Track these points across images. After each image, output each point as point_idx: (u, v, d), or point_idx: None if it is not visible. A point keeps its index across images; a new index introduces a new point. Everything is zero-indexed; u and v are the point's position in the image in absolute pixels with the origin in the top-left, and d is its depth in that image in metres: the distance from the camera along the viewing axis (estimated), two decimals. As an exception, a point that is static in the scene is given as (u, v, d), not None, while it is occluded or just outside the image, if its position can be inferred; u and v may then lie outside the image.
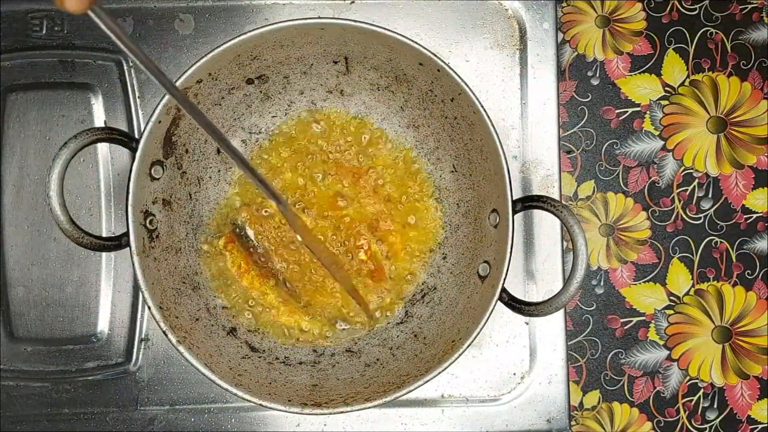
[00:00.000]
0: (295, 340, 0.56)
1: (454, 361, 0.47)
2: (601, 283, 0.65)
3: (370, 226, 0.56)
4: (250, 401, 0.47)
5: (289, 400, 0.48)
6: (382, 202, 0.57)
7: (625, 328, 0.65)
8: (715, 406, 0.65)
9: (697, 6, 0.66)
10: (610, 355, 0.65)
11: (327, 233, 0.56)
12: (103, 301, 0.58)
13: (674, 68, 0.66)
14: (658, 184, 0.66)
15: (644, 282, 0.66)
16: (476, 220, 0.54)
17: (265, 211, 0.56)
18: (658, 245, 0.66)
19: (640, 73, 0.66)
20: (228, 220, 0.56)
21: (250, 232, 0.56)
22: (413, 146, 0.57)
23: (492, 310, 0.48)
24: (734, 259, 0.66)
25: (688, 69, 0.66)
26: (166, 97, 0.48)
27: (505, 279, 0.47)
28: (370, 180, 0.57)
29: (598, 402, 0.65)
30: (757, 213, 0.66)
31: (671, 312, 0.65)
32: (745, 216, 0.66)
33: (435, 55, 0.48)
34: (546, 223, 0.59)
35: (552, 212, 0.47)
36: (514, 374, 0.59)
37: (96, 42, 0.59)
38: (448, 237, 0.57)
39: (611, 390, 0.65)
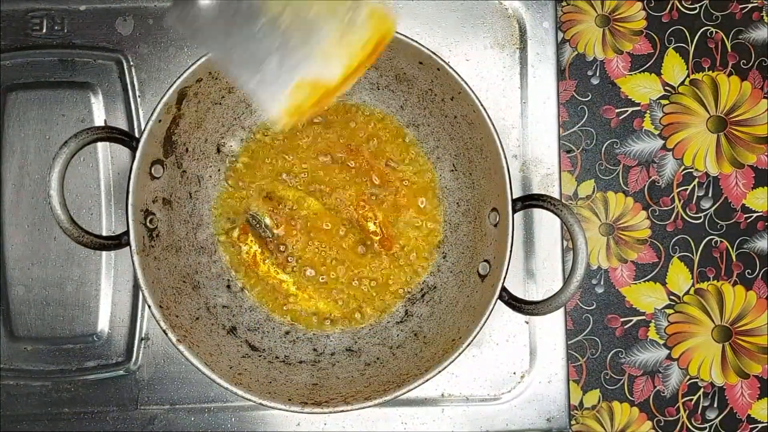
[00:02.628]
0: (321, 322, 0.57)
1: (454, 360, 0.47)
2: (601, 283, 0.65)
3: (375, 195, 0.57)
4: (250, 400, 0.47)
5: (289, 399, 0.48)
6: (380, 164, 0.57)
7: (625, 327, 0.65)
8: (715, 405, 0.65)
9: (697, 5, 0.67)
10: (610, 355, 0.65)
11: (338, 208, 0.57)
12: (103, 300, 0.58)
13: (674, 67, 0.66)
14: (658, 183, 0.66)
15: (644, 281, 0.66)
16: (476, 219, 0.54)
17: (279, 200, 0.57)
18: (658, 244, 0.66)
19: (640, 72, 0.66)
20: (240, 211, 0.57)
21: (267, 220, 0.57)
22: (413, 142, 0.58)
23: (492, 309, 0.48)
24: (734, 259, 0.66)
25: (688, 68, 0.66)
26: (167, 95, 0.48)
27: (505, 278, 0.47)
28: (363, 150, 0.57)
29: (598, 401, 0.65)
30: (757, 212, 0.66)
31: (671, 311, 0.65)
32: (745, 215, 0.66)
33: (435, 54, 0.48)
34: (546, 223, 0.59)
35: (552, 211, 0.47)
36: (514, 373, 0.59)
37: (96, 41, 0.59)
38: (448, 236, 0.57)
39: (611, 389, 0.65)
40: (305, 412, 0.47)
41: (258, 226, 0.57)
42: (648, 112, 0.66)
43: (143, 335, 0.58)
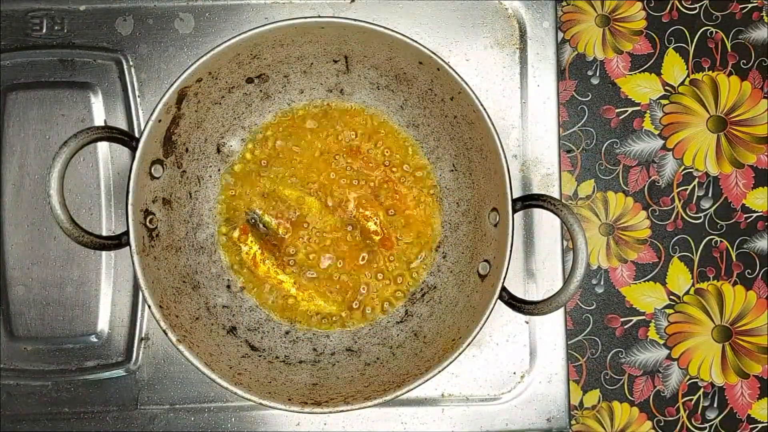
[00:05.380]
0: (321, 322, 0.57)
1: (454, 360, 0.47)
2: (601, 283, 0.65)
3: (375, 195, 0.57)
4: (250, 400, 0.47)
5: (289, 399, 0.48)
6: (381, 167, 0.57)
7: (625, 327, 0.65)
8: (715, 405, 0.65)
9: (697, 5, 0.66)
10: (610, 355, 0.65)
11: (338, 207, 0.57)
12: (103, 300, 0.58)
13: (674, 67, 0.66)
14: (658, 183, 0.66)
15: (644, 281, 0.66)
16: (476, 218, 0.54)
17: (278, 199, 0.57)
18: (658, 244, 0.66)
19: (640, 72, 0.66)
20: (240, 211, 0.57)
21: (269, 219, 0.57)
22: (413, 143, 0.58)
23: (492, 309, 0.48)
24: (734, 259, 0.66)
25: (688, 68, 0.66)
26: (167, 95, 0.48)
27: (505, 278, 0.47)
28: (363, 150, 0.57)
29: (598, 401, 0.65)
30: (757, 212, 0.66)
31: (671, 311, 0.65)
32: (745, 215, 0.66)
33: (435, 54, 0.48)
34: (546, 222, 0.59)
35: (552, 211, 0.47)
36: (514, 373, 0.59)
37: (96, 41, 0.59)
38: (448, 236, 0.57)
39: (611, 389, 0.65)
40: (305, 412, 0.47)
41: (258, 226, 0.57)
42: (648, 112, 0.66)
43: (143, 335, 0.58)
